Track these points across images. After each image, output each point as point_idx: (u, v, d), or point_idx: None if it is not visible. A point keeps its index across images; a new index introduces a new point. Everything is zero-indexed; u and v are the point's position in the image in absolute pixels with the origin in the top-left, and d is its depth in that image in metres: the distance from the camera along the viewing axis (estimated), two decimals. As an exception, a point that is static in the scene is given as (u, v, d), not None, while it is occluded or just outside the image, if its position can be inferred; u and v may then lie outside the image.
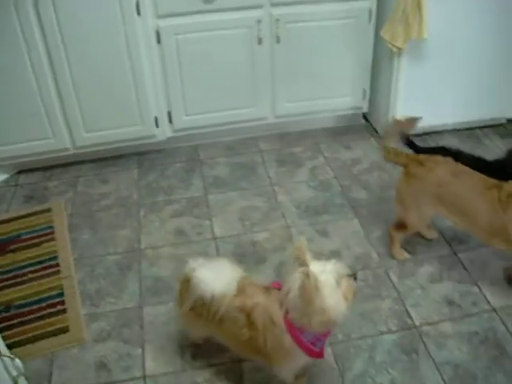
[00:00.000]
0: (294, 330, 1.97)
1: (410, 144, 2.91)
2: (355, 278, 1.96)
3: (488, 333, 2.51)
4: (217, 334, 2.19)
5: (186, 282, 2.10)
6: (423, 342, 2.48)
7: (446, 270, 2.84)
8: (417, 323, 2.57)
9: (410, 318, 2.60)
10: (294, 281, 1.90)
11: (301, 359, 2.08)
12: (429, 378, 2.33)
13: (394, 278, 2.80)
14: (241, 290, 2.05)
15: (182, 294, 2.15)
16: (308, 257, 1.91)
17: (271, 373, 2.31)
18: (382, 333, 2.53)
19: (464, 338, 2.49)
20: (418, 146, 2.92)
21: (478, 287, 2.74)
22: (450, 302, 2.67)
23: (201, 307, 2.06)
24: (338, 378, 2.34)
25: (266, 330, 2.00)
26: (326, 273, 1.89)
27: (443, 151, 2.81)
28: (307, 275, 1.85)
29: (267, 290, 2.10)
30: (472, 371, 2.35)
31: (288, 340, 1.99)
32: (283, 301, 1.97)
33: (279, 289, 2.02)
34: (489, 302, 2.66)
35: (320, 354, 2.08)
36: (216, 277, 2.04)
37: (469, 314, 2.61)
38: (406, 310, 2.63)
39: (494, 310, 2.62)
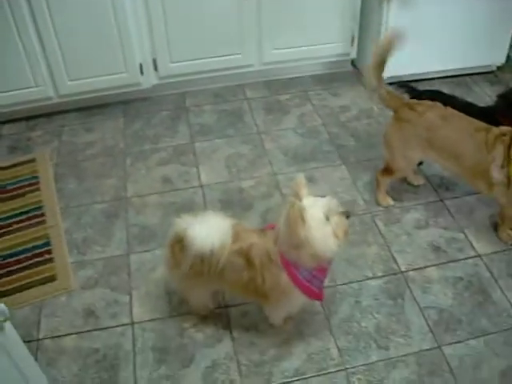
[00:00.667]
0: (289, 266, 1.98)
1: (405, 86, 2.94)
2: (347, 217, 1.94)
3: (473, 278, 2.54)
4: (218, 285, 2.19)
5: (179, 243, 2.06)
6: (409, 287, 2.51)
7: (432, 217, 2.85)
8: (402, 269, 2.59)
9: (396, 263, 2.62)
10: (283, 213, 1.90)
11: (298, 299, 2.09)
12: (414, 322, 2.36)
13: (380, 225, 2.81)
14: (236, 236, 2.04)
15: (176, 256, 2.10)
16: (303, 192, 1.90)
17: (258, 317, 2.36)
18: (368, 278, 2.55)
19: (449, 283, 2.52)
20: (414, 88, 2.94)
21: (464, 234, 2.76)
22: (436, 248, 2.69)
23: (200, 264, 2.02)
24: (324, 322, 2.37)
25: (263, 267, 2.01)
26: (315, 206, 1.89)
27: (438, 94, 2.81)
28: (293, 205, 1.84)
29: (262, 231, 2.10)
30: (456, 316, 2.38)
31: (284, 277, 1.99)
32: (276, 236, 1.97)
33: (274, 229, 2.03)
34: (474, 248, 2.68)
35: (318, 296, 2.09)
36: (210, 230, 2.01)
37: (454, 260, 2.63)
38: (392, 256, 2.65)
39: (480, 256, 2.65)
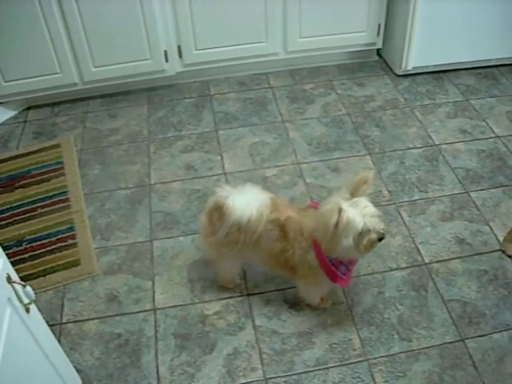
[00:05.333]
0: (318, 246, 2.01)
1: None
2: (380, 239, 1.94)
3: (497, 272, 2.51)
4: (251, 255, 2.22)
5: (217, 211, 2.11)
6: (432, 279, 2.49)
7: (457, 209, 2.82)
8: (426, 260, 2.57)
9: (420, 255, 2.60)
10: (329, 205, 1.90)
11: (323, 279, 2.11)
12: (437, 315, 2.35)
13: (405, 216, 2.79)
14: (274, 207, 2.10)
15: (213, 224, 2.14)
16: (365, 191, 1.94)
17: (280, 306, 2.39)
18: (392, 269, 2.54)
19: (473, 276, 2.50)
20: None
21: (489, 227, 2.73)
22: (461, 241, 2.66)
23: (236, 233, 2.07)
24: (346, 312, 2.37)
25: (295, 240, 2.06)
26: (357, 220, 1.88)
27: None
28: (338, 208, 1.85)
29: (302, 209, 2.17)
30: (480, 309, 2.36)
31: (312, 255, 2.04)
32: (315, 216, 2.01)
33: (316, 208, 2.06)
34: (500, 241, 2.65)
35: (343, 281, 2.11)
36: (250, 200, 2.05)
37: (479, 253, 2.60)
38: (416, 247, 2.63)
39: (504, 250, 2.62)
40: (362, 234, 1.90)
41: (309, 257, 2.05)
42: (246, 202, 2.04)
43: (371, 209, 1.93)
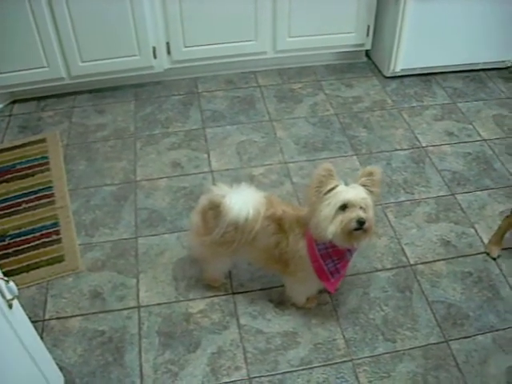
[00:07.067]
0: (310, 236, 2.02)
1: None
2: (360, 223, 1.89)
3: (482, 274, 2.52)
4: (245, 252, 2.21)
5: (212, 210, 2.09)
6: (417, 280, 2.49)
7: (442, 211, 2.83)
8: (412, 262, 2.58)
9: (405, 256, 2.60)
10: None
11: (311, 277, 2.12)
12: (421, 316, 2.35)
13: (391, 217, 2.79)
14: (269, 204, 2.11)
15: (207, 223, 2.13)
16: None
17: (265, 305, 2.38)
18: (377, 270, 2.54)
19: (458, 278, 2.51)
20: None
21: (474, 229, 2.74)
22: (446, 243, 2.67)
23: (233, 232, 2.06)
24: (331, 312, 2.36)
25: (290, 230, 2.08)
26: (344, 190, 1.91)
27: None
28: (330, 175, 1.90)
29: (296, 207, 2.22)
30: (464, 311, 2.37)
31: (302, 244, 2.05)
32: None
33: None
34: (484, 243, 2.66)
35: (328, 282, 2.12)
36: (246, 199, 2.05)
37: (464, 255, 2.61)
38: (402, 249, 2.63)
39: (490, 252, 2.64)
40: (344, 207, 1.90)
41: (300, 244, 2.06)
42: (243, 201, 2.03)
43: (364, 194, 1.93)
